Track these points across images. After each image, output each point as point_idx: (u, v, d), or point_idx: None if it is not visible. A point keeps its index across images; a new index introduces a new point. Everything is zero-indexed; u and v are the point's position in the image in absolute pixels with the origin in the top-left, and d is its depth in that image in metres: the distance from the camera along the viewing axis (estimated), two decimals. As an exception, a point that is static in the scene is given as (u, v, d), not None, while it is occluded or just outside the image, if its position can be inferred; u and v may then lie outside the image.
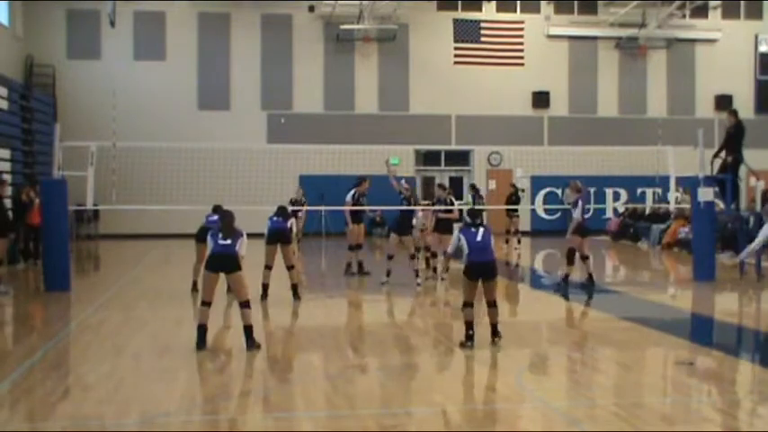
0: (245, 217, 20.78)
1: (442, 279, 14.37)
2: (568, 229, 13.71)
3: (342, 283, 14.73)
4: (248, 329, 8.79)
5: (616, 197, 27.90)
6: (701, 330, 10.92)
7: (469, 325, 8.86)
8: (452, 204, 15.18)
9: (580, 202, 13.57)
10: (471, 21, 27.29)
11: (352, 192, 15.30)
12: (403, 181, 15.26)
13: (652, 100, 28.85)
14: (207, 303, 8.86)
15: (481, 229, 8.95)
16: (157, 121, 25.44)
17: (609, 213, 27.55)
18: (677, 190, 17.82)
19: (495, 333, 8.95)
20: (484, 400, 7.05)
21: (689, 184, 15.95)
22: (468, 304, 8.86)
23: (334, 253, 20.47)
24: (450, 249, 9.15)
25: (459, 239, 8.93)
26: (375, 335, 9.86)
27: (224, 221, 9.21)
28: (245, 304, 8.85)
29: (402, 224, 14.31)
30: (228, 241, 8.92)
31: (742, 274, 14.83)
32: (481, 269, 8.83)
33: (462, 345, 8.84)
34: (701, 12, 28.38)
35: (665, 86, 29.06)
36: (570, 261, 13.51)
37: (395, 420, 6.25)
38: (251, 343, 8.73)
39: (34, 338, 9.78)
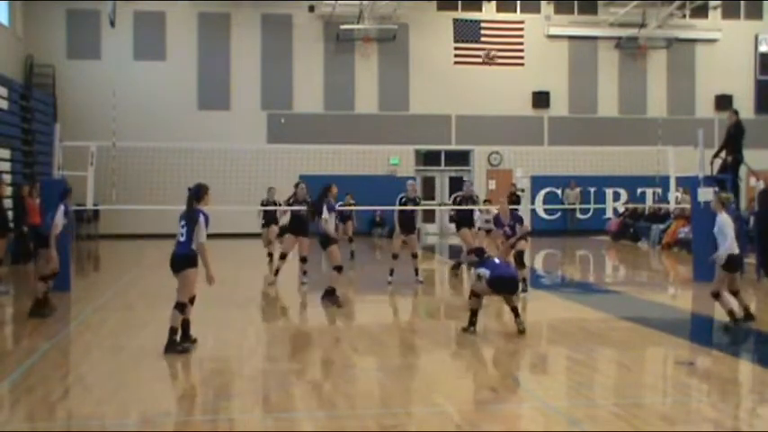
0: (244, 216, 20.68)
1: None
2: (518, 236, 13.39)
3: (343, 283, 14.72)
4: (170, 331, 8.38)
5: (616, 197, 27.92)
6: (701, 330, 10.92)
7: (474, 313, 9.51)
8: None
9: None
10: (471, 21, 27.28)
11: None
12: (410, 182, 15.32)
13: (652, 100, 28.87)
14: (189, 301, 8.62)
15: (496, 259, 9.79)
16: (157, 121, 25.45)
17: (609, 213, 27.59)
18: (677, 190, 17.81)
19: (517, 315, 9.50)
20: (484, 400, 7.05)
21: (689, 184, 15.94)
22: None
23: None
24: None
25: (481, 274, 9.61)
26: (375, 335, 9.86)
27: (187, 199, 8.60)
28: (177, 305, 8.43)
29: (407, 224, 14.39)
30: (183, 237, 8.45)
31: (742, 274, 14.81)
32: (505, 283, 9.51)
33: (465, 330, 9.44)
34: (700, 12, 28.40)
35: (665, 86, 29.08)
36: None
37: (395, 420, 6.25)
38: (171, 347, 8.30)
39: (34, 338, 9.77)
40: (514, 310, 9.50)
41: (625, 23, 28.27)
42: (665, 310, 12.10)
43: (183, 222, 8.54)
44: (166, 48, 26.65)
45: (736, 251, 9.80)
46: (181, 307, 8.45)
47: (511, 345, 8.94)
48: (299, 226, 13.97)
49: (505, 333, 9.73)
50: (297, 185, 14.45)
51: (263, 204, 17.43)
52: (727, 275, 9.83)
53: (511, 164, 27.37)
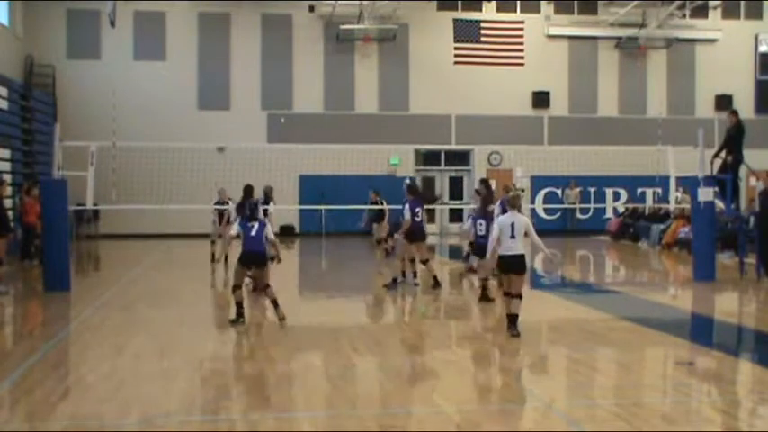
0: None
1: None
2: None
3: (342, 283, 14.74)
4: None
5: (616, 197, 27.92)
6: (701, 330, 10.92)
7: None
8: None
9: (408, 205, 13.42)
10: (471, 21, 27.27)
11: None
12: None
13: (652, 100, 28.86)
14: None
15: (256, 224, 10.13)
16: (157, 121, 25.45)
17: (609, 213, 27.59)
18: (677, 190, 17.82)
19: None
20: (484, 400, 7.05)
21: (689, 184, 15.94)
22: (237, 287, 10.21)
23: (333, 253, 20.46)
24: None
25: None
26: (375, 335, 9.86)
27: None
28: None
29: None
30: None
31: (742, 275, 14.83)
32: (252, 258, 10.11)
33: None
34: (701, 12, 28.40)
35: (665, 86, 29.07)
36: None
37: (395, 420, 6.25)
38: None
39: (34, 338, 9.77)
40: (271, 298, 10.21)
41: (625, 23, 28.26)
42: (665, 310, 12.10)
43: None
44: (166, 48, 26.64)
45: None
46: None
47: (511, 345, 8.94)
48: None
49: (504, 332, 9.71)
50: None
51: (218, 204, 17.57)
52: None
53: (511, 164, 27.37)
